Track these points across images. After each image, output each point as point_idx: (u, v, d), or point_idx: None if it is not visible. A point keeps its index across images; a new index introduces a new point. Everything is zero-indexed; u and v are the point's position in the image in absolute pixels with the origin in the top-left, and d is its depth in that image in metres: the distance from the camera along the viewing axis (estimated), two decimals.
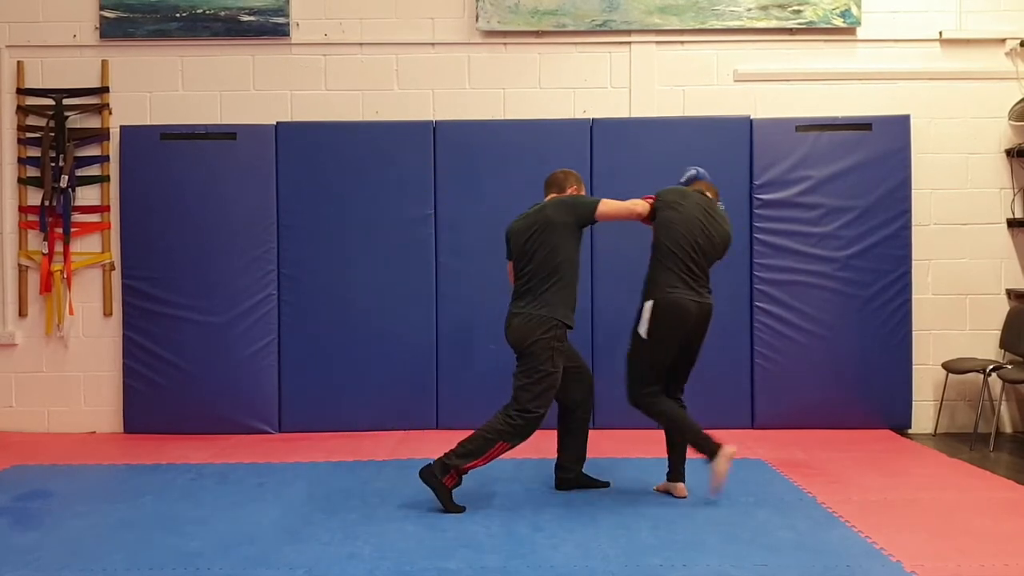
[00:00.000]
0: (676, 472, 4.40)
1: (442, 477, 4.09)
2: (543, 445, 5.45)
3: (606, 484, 4.53)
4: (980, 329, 6.14)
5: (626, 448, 5.41)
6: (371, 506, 4.22)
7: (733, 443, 5.50)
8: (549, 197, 4.48)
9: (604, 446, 5.46)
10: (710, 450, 4.18)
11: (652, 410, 4.32)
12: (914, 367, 6.03)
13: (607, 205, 4.31)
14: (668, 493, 4.40)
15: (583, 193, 4.51)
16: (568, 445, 4.52)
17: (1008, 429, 6.12)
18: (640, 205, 4.37)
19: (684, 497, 4.32)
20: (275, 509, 4.17)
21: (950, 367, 5.93)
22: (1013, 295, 6.12)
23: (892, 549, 3.55)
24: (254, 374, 5.95)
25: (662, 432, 5.82)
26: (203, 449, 5.48)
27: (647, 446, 5.48)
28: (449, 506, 4.10)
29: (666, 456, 4.44)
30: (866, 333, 5.96)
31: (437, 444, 5.54)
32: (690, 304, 4.23)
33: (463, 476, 4.15)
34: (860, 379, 5.96)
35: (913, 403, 6.02)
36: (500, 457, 5.14)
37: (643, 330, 4.23)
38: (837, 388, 5.97)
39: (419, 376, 6.01)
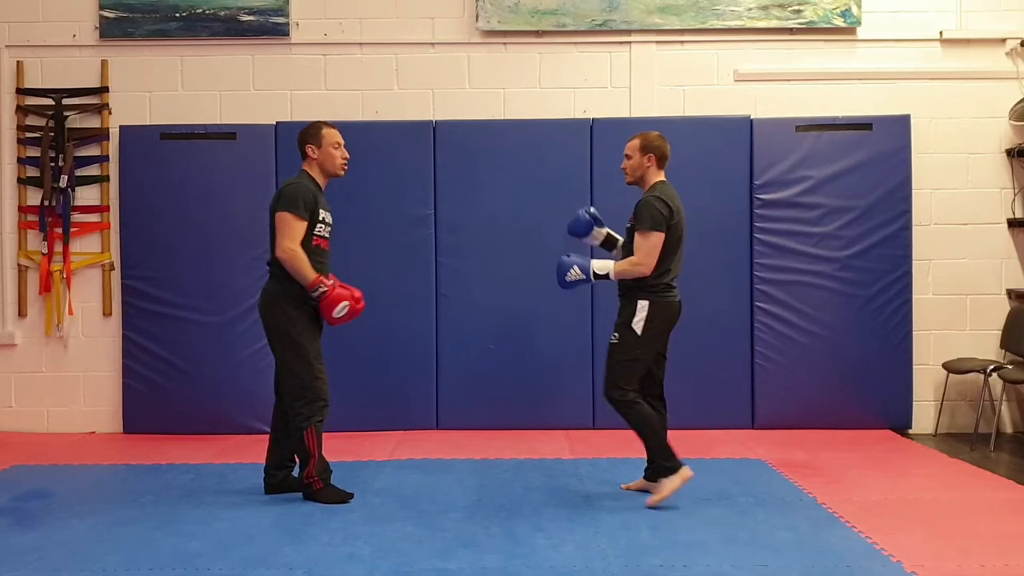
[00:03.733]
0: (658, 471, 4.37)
1: (311, 489, 4.27)
2: (542, 446, 5.47)
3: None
4: (980, 329, 6.14)
5: (626, 448, 5.40)
6: (371, 506, 4.21)
7: (733, 443, 5.54)
8: None
9: (604, 446, 5.47)
10: (670, 466, 4.18)
11: (630, 412, 4.23)
12: (914, 367, 6.02)
13: (287, 220, 4.14)
14: (644, 491, 4.37)
15: (316, 154, 4.30)
16: (274, 450, 4.42)
17: (1008, 429, 6.12)
18: (308, 272, 4.10)
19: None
20: (275, 509, 4.17)
21: (950, 367, 5.93)
22: (1013, 295, 6.12)
23: (892, 549, 3.55)
24: (254, 374, 5.95)
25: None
26: (203, 449, 5.48)
27: None
28: (334, 500, 4.24)
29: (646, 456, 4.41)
30: (866, 333, 5.96)
31: (437, 444, 5.57)
32: (677, 304, 4.28)
33: (321, 475, 4.27)
34: (860, 379, 5.96)
35: (913, 403, 6.02)
36: (500, 457, 5.20)
37: (639, 328, 4.18)
38: (837, 388, 5.97)
39: (419, 376, 6.01)
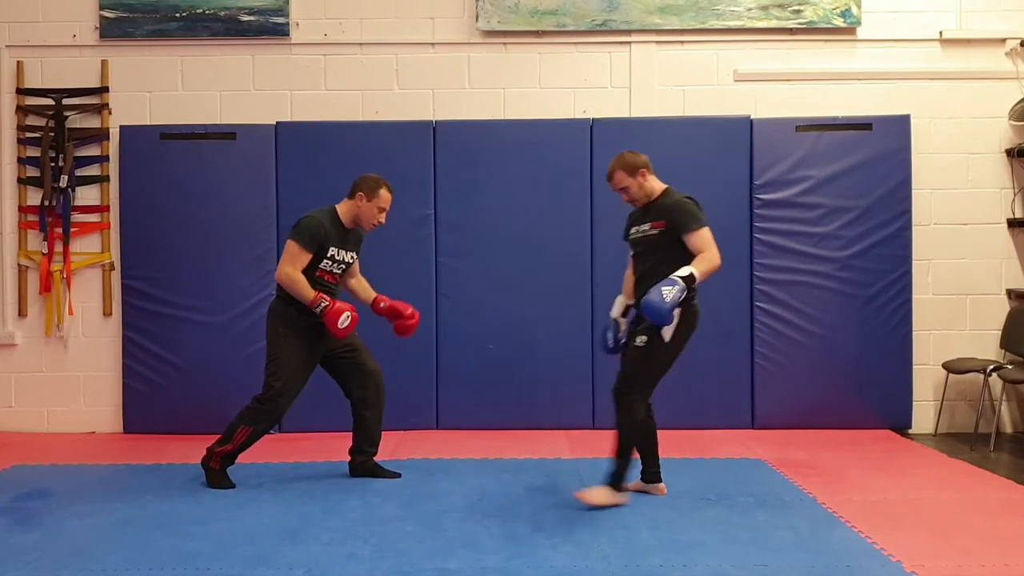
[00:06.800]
0: (653, 472, 4.40)
1: (208, 462, 4.59)
2: (541, 446, 5.47)
3: (397, 475, 4.75)
4: (980, 329, 6.14)
5: None
6: (371, 506, 4.21)
7: (733, 443, 5.54)
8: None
9: (604, 446, 5.46)
10: (619, 481, 4.12)
11: (632, 415, 4.11)
12: (914, 367, 6.02)
13: (292, 249, 4.42)
14: (646, 492, 4.39)
15: (362, 204, 4.52)
16: (356, 437, 4.80)
17: (1008, 429, 6.12)
18: (307, 293, 4.38)
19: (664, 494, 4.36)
20: (275, 509, 4.17)
21: (950, 367, 5.93)
22: (1013, 295, 6.12)
23: (892, 549, 3.55)
24: (254, 374, 5.90)
25: (663, 432, 5.83)
26: (203, 449, 5.46)
27: None
28: (216, 484, 4.54)
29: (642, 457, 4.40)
30: (866, 333, 5.96)
31: (437, 444, 5.58)
32: (699, 311, 4.17)
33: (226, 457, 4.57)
34: (860, 379, 5.96)
35: (913, 403, 6.02)
36: (500, 457, 5.20)
37: (667, 335, 4.02)
38: (837, 388, 5.97)
39: (419, 376, 6.01)
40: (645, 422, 4.23)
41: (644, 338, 4.09)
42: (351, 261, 4.67)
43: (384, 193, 4.54)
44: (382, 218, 4.59)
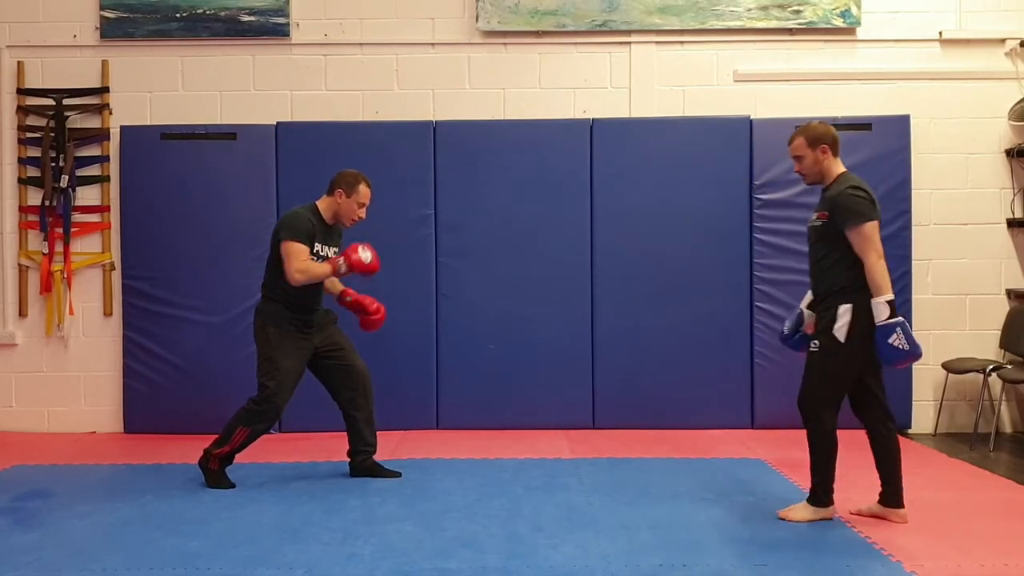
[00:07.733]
0: (895, 496, 3.97)
1: (206, 463, 4.59)
2: (541, 445, 5.47)
3: (397, 474, 4.74)
4: (980, 329, 6.14)
5: (626, 448, 5.41)
6: (371, 506, 4.22)
7: (733, 443, 5.54)
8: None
9: (604, 446, 5.47)
10: (824, 500, 3.92)
11: (818, 427, 3.98)
12: (914, 367, 6.01)
13: (291, 248, 4.42)
14: (881, 518, 3.95)
15: (342, 200, 4.53)
16: (351, 438, 4.77)
17: (1008, 429, 6.13)
18: (323, 268, 4.45)
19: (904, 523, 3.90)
20: (275, 509, 4.17)
21: (950, 367, 5.93)
22: (1013, 295, 6.12)
23: (892, 549, 3.55)
24: (254, 374, 5.93)
25: (663, 432, 5.86)
26: (203, 449, 5.47)
27: (647, 446, 5.50)
28: (215, 484, 4.54)
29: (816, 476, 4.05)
30: None
31: (437, 444, 5.58)
32: None
33: (225, 457, 4.59)
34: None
35: (913, 403, 6.02)
36: (500, 457, 5.20)
37: (841, 335, 3.76)
38: None
39: (419, 376, 6.01)
40: (834, 439, 3.96)
41: (817, 342, 3.86)
42: (332, 257, 4.67)
43: (363, 188, 4.55)
44: (362, 213, 4.59)
